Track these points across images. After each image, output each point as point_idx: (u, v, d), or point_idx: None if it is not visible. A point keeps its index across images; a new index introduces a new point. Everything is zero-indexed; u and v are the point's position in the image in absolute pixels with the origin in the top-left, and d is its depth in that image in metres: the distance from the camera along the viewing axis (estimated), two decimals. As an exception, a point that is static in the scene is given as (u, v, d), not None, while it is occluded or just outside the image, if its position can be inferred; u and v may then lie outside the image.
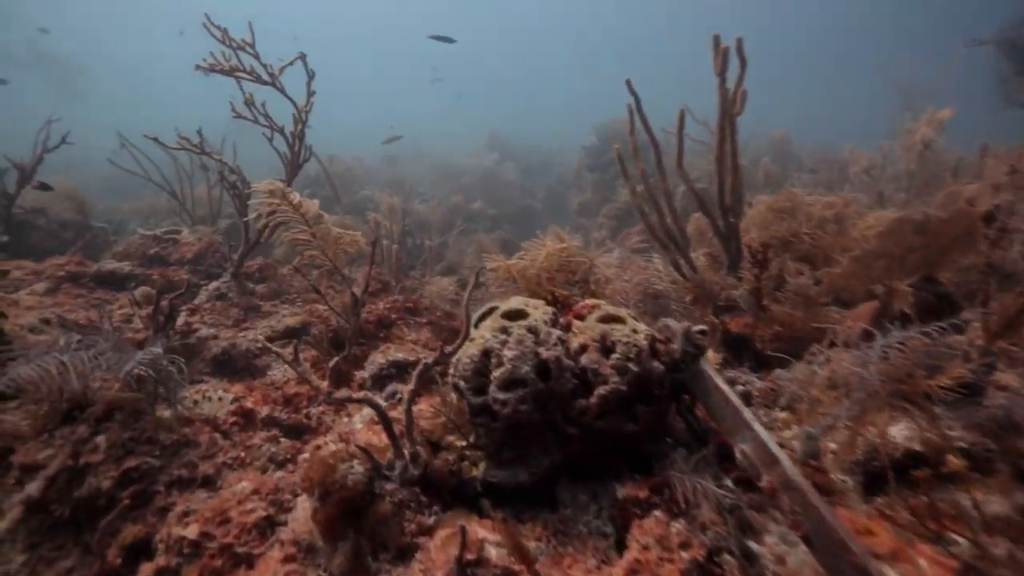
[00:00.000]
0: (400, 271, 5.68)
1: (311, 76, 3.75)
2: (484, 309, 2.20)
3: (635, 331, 1.88)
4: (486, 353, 1.80)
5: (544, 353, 1.77)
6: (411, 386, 1.71)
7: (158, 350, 1.91)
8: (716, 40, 2.88)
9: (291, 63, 3.72)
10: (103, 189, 10.22)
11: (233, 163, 4.01)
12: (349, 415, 2.60)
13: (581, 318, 2.08)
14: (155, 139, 3.89)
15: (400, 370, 2.60)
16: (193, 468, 1.90)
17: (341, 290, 4.66)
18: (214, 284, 4.15)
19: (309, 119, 3.79)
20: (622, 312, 2.00)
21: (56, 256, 4.35)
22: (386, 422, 1.64)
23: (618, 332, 1.84)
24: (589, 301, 2.12)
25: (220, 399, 2.51)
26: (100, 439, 1.86)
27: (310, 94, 3.78)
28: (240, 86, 3.74)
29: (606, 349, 1.83)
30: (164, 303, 3.15)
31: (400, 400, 2.39)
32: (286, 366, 3.28)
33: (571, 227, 11.00)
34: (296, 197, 2.89)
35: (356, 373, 2.75)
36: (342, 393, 1.66)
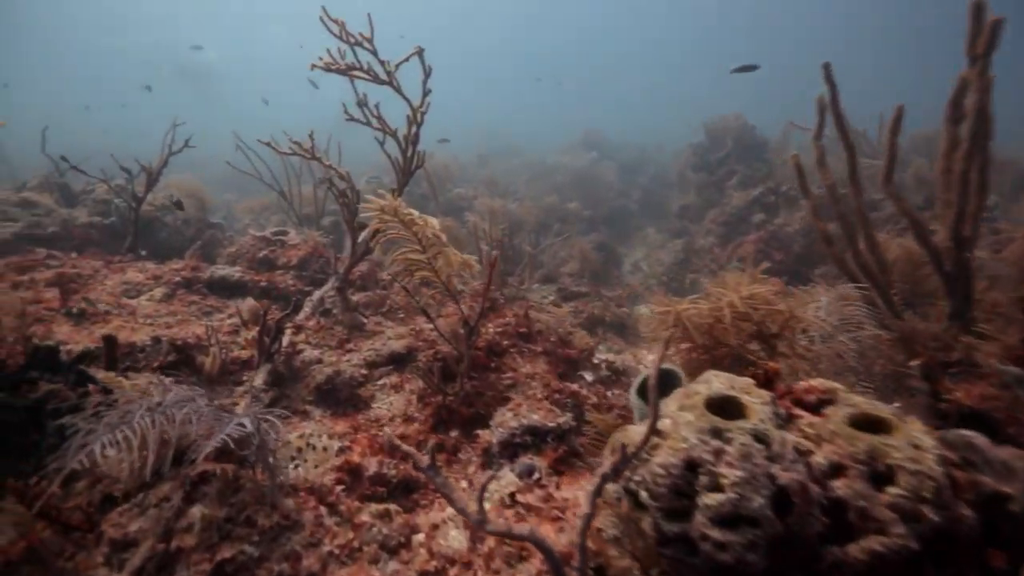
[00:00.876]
0: (500, 279, 5.28)
1: (428, 73, 3.37)
2: (659, 370, 1.65)
3: (918, 447, 1.24)
4: (691, 466, 1.25)
5: (782, 477, 1.19)
6: (586, 510, 1.20)
7: (250, 427, 1.57)
8: (977, 8, 2.08)
9: (407, 59, 3.36)
10: (220, 184, 10.91)
11: (341, 167, 3.77)
12: (468, 480, 2.17)
13: (808, 408, 1.47)
14: (268, 143, 3.73)
15: (537, 438, 2.10)
16: (296, 562, 1.54)
17: (441, 300, 4.32)
18: (318, 294, 3.96)
19: (424, 120, 3.43)
20: (882, 410, 1.36)
21: (174, 260, 4.40)
22: (557, 569, 1.16)
23: (897, 453, 1.21)
24: (816, 383, 1.50)
25: (325, 448, 2.18)
26: (195, 512, 1.55)
27: (425, 93, 3.41)
28: (353, 86, 3.46)
29: (876, 475, 1.21)
30: (270, 321, 2.94)
31: (538, 480, 1.91)
32: (391, 399, 2.96)
33: (671, 232, 10.13)
34: (412, 215, 2.51)
35: (480, 432, 2.31)
36: (499, 527, 1.19)
